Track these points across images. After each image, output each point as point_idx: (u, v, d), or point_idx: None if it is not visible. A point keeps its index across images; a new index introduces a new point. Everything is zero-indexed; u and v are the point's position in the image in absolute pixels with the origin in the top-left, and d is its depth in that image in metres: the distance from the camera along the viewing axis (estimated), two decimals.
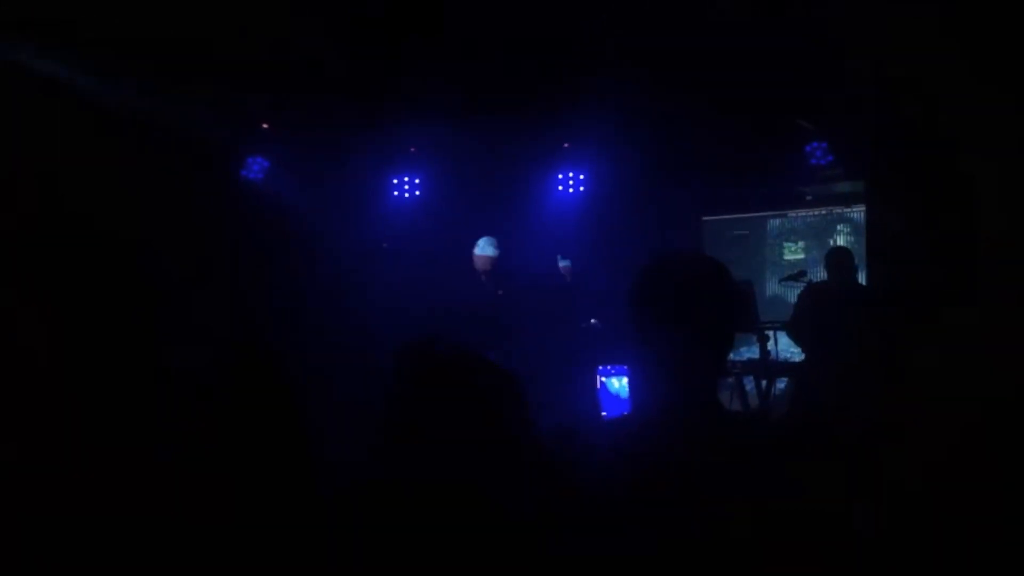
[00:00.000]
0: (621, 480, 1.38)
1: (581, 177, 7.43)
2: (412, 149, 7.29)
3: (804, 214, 8.21)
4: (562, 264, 6.55)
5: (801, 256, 8.15)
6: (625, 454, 1.41)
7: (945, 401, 2.14)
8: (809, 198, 8.03)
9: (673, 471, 1.36)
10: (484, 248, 5.95)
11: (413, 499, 1.49)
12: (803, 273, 6.27)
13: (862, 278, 5.64)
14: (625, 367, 6.22)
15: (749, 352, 6.70)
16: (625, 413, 1.55)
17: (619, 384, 6.32)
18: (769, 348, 5.91)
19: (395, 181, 7.43)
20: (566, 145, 7.28)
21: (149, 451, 2.00)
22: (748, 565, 1.30)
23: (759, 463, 1.36)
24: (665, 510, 1.34)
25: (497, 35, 5.15)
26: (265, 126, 6.77)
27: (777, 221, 8.34)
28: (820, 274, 6.05)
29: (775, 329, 5.98)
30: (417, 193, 7.42)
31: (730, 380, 6.10)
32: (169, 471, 1.74)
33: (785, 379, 6.30)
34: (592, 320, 6.74)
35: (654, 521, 1.33)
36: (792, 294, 6.26)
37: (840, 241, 7.83)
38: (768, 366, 5.91)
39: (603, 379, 6.40)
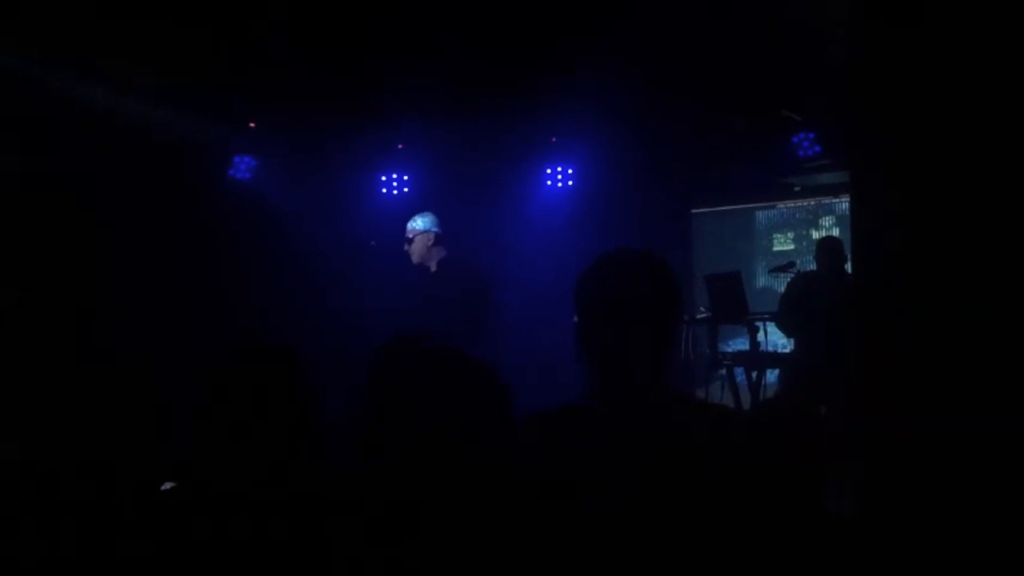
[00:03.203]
0: (575, 465, 1.41)
1: (570, 171, 7.44)
2: (400, 146, 7.28)
3: (793, 205, 8.23)
4: None
5: (791, 247, 8.18)
6: (575, 442, 1.45)
7: (927, 392, 2.15)
8: (797, 189, 8.06)
9: (621, 457, 1.40)
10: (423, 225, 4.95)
11: (397, 489, 1.51)
12: (792, 264, 6.30)
13: (849, 268, 5.66)
14: None
15: (739, 344, 6.73)
16: (568, 404, 1.58)
17: None
18: (759, 339, 5.93)
19: (383, 179, 7.42)
20: (554, 140, 7.27)
21: (151, 451, 2.00)
22: (695, 544, 1.33)
23: (705, 450, 1.39)
24: (613, 495, 1.38)
25: (483, 29, 5.15)
26: (252, 125, 6.75)
27: (766, 213, 8.36)
28: (809, 265, 6.08)
29: (764, 320, 6.00)
30: (405, 190, 7.41)
31: (722, 372, 6.13)
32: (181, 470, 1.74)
33: (776, 370, 6.32)
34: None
35: (606, 504, 1.36)
36: (782, 285, 6.29)
37: (826, 232, 7.86)
38: (758, 357, 5.93)
39: None
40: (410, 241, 4.98)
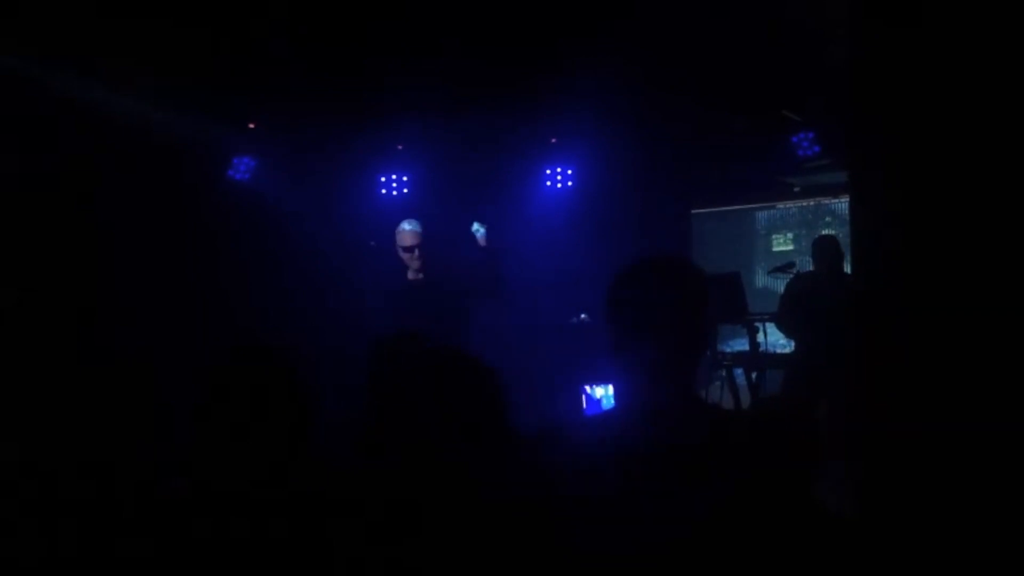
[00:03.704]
0: (600, 473, 1.41)
1: (569, 172, 7.44)
2: (399, 147, 7.27)
3: (792, 205, 8.23)
4: (477, 231, 5.53)
5: (790, 247, 8.18)
6: (604, 450, 1.44)
7: (927, 392, 2.15)
8: (797, 189, 8.06)
9: (649, 466, 1.39)
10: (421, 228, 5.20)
11: (397, 489, 1.51)
12: (791, 265, 6.31)
13: (847, 267, 5.66)
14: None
15: (739, 344, 6.72)
16: (605, 410, 1.58)
17: (603, 392, 6.15)
18: (759, 340, 5.93)
19: (383, 179, 7.42)
20: (553, 140, 7.27)
21: (151, 451, 2.00)
22: (725, 550, 1.32)
23: (736, 455, 1.39)
24: (641, 503, 1.37)
25: (483, 29, 5.15)
26: (252, 125, 6.75)
27: (766, 213, 8.36)
28: (809, 265, 6.08)
29: (764, 321, 5.99)
30: (405, 191, 7.40)
31: (721, 372, 6.12)
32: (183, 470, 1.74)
33: (776, 370, 6.32)
34: (583, 315, 6.76)
35: (629, 513, 1.36)
36: (781, 285, 6.29)
37: (826, 232, 7.85)
38: (758, 358, 5.92)
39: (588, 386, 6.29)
40: (418, 246, 5.02)
